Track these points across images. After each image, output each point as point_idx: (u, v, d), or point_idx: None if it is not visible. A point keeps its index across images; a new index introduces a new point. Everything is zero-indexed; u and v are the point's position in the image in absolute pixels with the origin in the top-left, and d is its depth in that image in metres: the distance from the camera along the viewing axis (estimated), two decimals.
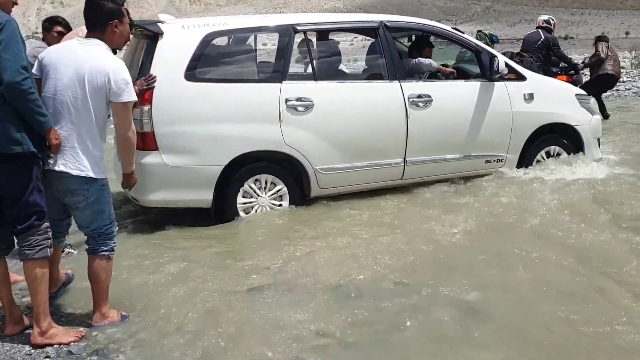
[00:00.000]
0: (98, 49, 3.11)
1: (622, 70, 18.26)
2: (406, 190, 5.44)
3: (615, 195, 5.17)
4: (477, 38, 8.71)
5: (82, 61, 3.05)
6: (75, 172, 3.04)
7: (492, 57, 5.49)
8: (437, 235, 4.41)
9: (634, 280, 3.60)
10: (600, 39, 10.41)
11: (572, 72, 9.08)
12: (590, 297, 3.41)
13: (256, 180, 4.87)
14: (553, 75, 8.52)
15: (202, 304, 3.39)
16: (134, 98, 3.17)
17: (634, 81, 16.92)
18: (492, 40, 8.86)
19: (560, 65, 9.08)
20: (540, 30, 9.08)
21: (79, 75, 3.02)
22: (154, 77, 4.48)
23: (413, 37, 6.33)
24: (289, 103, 4.86)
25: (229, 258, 4.10)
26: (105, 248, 3.25)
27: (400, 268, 3.85)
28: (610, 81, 10.23)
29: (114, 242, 3.32)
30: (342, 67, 6.15)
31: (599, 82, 10.06)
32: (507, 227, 4.57)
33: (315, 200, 5.13)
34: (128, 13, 3.39)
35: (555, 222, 4.58)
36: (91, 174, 3.07)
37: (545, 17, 9.46)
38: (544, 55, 8.84)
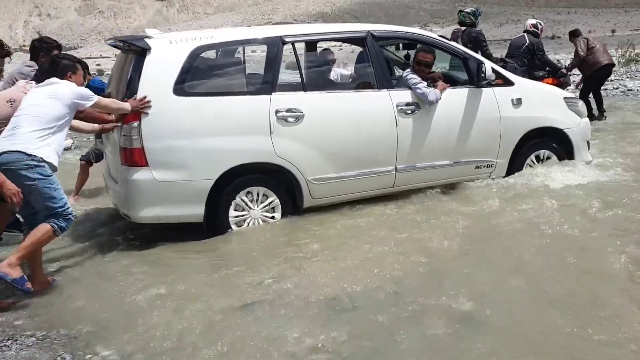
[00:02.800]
0: None
1: None
2: (398, 198, 5.44)
3: (607, 199, 5.17)
4: (461, 19, 8.63)
5: None
6: None
7: (480, 63, 5.52)
8: (430, 244, 4.41)
9: (629, 287, 3.60)
10: (573, 34, 10.40)
11: (560, 74, 9.11)
12: (586, 304, 3.39)
13: (248, 192, 4.86)
14: (539, 78, 8.54)
15: (196, 321, 3.37)
16: None
17: (622, 80, 16.97)
18: (475, 16, 8.75)
19: (547, 68, 9.10)
20: (526, 34, 9.08)
21: None
22: (149, 102, 4.48)
23: (400, 45, 6.35)
24: (279, 114, 4.85)
25: (222, 273, 4.08)
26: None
27: (394, 278, 3.84)
28: (607, 72, 10.34)
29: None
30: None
31: (597, 75, 10.13)
32: (500, 234, 4.56)
33: (307, 212, 5.11)
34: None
35: (548, 228, 4.57)
36: None
37: (533, 22, 9.47)
38: (529, 60, 8.86)
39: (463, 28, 8.47)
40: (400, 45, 6.31)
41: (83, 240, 5.09)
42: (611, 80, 16.43)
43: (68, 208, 3.97)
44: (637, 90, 15.05)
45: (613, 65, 10.54)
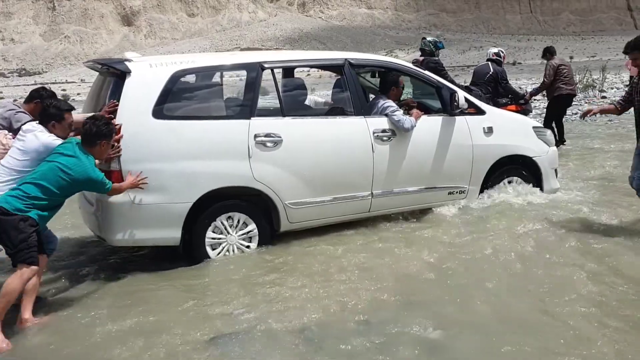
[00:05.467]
0: None
1: None
2: (372, 224, 5.50)
3: (573, 224, 5.34)
4: (422, 45, 8.76)
5: None
6: None
7: (453, 92, 5.67)
8: (401, 271, 4.45)
9: (593, 311, 3.67)
10: (549, 51, 10.34)
11: (522, 101, 9.37)
12: (552, 329, 3.46)
13: (229, 217, 4.86)
14: (502, 105, 8.77)
15: (165, 354, 3.33)
16: None
17: (580, 105, 17.38)
18: (436, 46, 8.88)
19: (510, 95, 9.36)
20: (490, 63, 9.33)
21: None
22: (120, 148, 4.45)
23: (377, 73, 6.48)
24: (257, 139, 4.89)
25: (194, 305, 4.02)
26: None
27: (364, 307, 3.85)
28: (567, 101, 10.52)
29: None
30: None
31: (556, 104, 10.35)
32: (468, 260, 4.62)
33: (281, 240, 5.11)
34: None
35: (515, 254, 4.67)
36: None
37: (495, 50, 9.74)
38: (493, 88, 9.11)
39: (422, 58, 8.63)
40: (377, 73, 6.44)
41: (53, 269, 4.92)
42: (570, 107, 16.86)
43: None
44: (596, 115, 15.45)
45: (574, 95, 10.75)
